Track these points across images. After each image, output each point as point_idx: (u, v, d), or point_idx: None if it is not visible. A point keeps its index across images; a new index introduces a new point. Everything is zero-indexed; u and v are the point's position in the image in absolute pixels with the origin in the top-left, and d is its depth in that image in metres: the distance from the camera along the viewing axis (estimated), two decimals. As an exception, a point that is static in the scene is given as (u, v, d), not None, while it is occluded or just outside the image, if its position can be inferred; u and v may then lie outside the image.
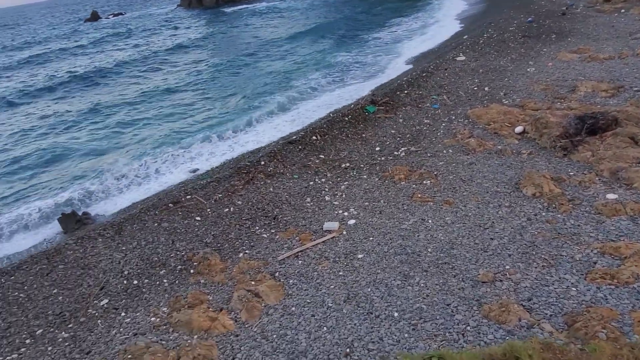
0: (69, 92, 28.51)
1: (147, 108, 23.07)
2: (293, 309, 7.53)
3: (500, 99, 14.94)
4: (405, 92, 17.35)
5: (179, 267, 9.24)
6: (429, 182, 10.79)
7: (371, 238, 9.04)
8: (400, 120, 14.91)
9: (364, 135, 14.31)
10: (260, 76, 26.50)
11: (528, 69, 17.24)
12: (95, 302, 8.61)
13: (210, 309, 7.83)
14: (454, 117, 14.25)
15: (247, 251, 9.37)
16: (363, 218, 9.81)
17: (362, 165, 12.35)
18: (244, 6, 70.48)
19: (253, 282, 8.28)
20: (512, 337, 6.15)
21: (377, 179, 11.45)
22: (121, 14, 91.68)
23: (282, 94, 21.84)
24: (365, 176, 11.71)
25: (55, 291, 9.09)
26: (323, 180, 11.91)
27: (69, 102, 26.34)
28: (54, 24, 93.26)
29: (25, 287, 9.34)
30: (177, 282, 8.80)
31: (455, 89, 16.69)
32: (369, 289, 7.64)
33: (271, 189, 11.77)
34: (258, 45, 36.48)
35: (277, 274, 8.44)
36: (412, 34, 32.20)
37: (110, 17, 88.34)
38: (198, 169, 15.03)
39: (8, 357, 7.63)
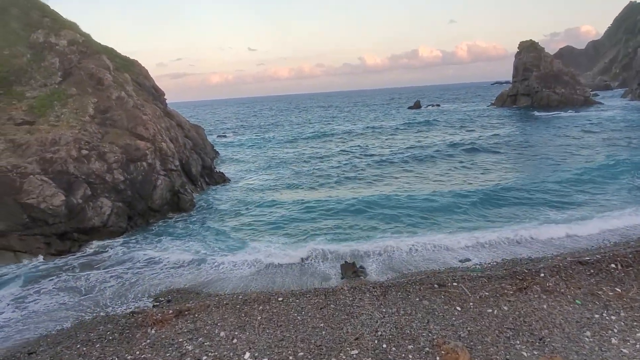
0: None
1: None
2: None
3: None
4: None
5: (427, 349, 9.32)
6: None
7: (667, 414, 7.06)
8: None
9: (687, 281, 11.40)
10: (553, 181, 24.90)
11: None
12: (347, 348, 9.56)
13: (446, 405, 7.60)
14: None
15: (500, 362, 8.72)
16: (661, 384, 7.78)
17: (674, 318, 9.83)
18: (557, 112, 67.10)
19: (498, 398, 7.63)
20: None
21: (695, 342, 8.90)
22: (438, 105, 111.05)
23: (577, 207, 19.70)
24: (677, 333, 9.27)
25: (321, 325, 10.56)
26: (613, 317, 10.02)
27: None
28: (387, 108, 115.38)
29: (303, 312, 11.20)
30: (421, 362, 8.91)
31: None
32: None
33: (545, 306, 10.64)
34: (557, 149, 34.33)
35: (528, 402, 7.54)
36: None
37: (429, 107, 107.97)
38: (469, 259, 14.97)
39: (283, 364, 9.24)
